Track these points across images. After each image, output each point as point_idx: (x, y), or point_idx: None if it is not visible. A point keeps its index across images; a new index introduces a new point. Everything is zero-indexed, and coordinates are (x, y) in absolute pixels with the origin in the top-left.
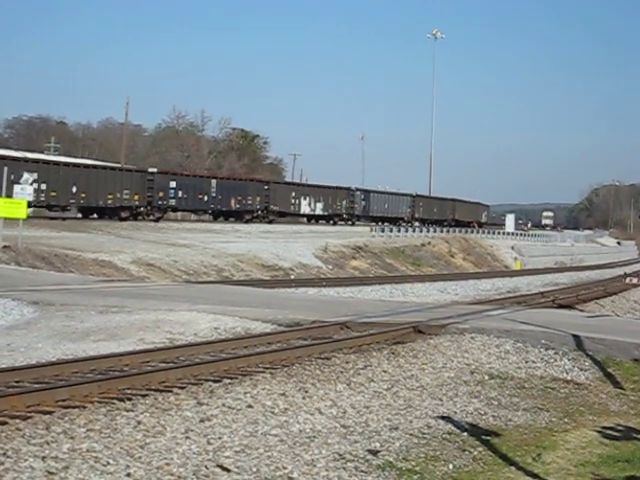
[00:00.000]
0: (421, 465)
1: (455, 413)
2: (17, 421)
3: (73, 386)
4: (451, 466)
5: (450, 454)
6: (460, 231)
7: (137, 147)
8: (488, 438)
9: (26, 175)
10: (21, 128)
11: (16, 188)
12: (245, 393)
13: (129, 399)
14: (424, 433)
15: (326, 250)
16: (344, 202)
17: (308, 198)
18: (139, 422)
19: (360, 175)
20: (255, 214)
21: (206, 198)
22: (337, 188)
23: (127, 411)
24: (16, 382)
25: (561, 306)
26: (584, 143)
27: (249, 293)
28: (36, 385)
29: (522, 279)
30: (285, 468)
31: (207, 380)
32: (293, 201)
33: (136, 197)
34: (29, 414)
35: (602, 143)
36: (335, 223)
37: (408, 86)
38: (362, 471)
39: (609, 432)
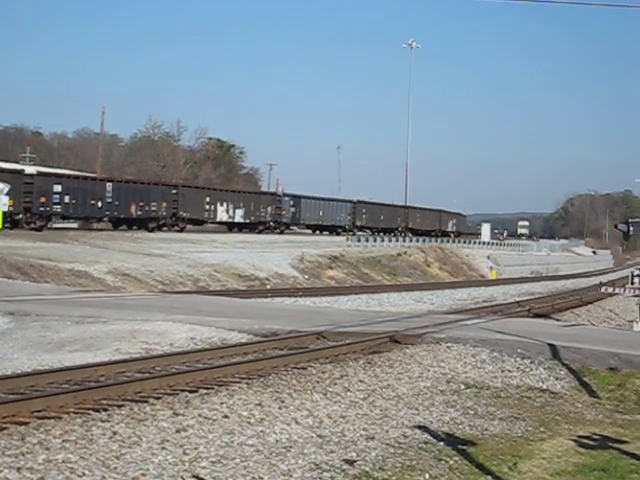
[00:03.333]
0: (397, 475)
1: (431, 423)
2: None
3: (49, 397)
4: (427, 476)
5: (426, 464)
6: (436, 241)
7: (113, 157)
8: (464, 447)
9: (1, 185)
10: None
11: None
12: (221, 403)
13: (105, 410)
14: (400, 443)
15: (302, 260)
16: (269, 208)
17: (225, 204)
18: (115, 432)
19: (337, 184)
20: (161, 222)
21: (100, 204)
22: (261, 193)
23: (103, 422)
24: None
25: (537, 315)
26: (560, 153)
27: (225, 303)
28: (11, 396)
29: (498, 288)
30: (261, 478)
31: (183, 390)
32: (208, 207)
33: (10, 203)
34: (4, 425)
35: (578, 153)
36: (260, 232)
37: (386, 96)
38: None
39: (585, 441)
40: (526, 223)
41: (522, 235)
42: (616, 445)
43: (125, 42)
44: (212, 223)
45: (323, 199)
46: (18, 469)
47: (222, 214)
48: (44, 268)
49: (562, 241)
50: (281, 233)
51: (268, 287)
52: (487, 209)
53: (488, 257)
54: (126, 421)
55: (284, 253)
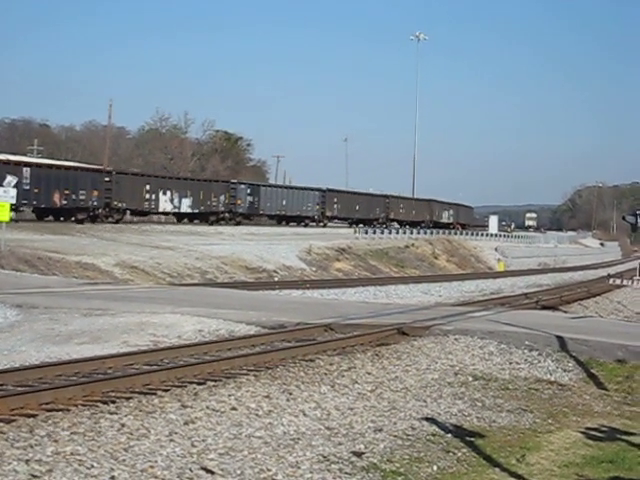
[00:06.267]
0: (405, 467)
1: (439, 414)
2: (1, 424)
3: (57, 389)
4: (435, 467)
5: (434, 455)
6: (444, 232)
7: (120, 149)
8: (472, 439)
9: (9, 177)
10: (3, 131)
11: None
12: (229, 395)
13: (113, 402)
14: (408, 435)
15: (310, 252)
16: (222, 197)
17: (169, 192)
18: (123, 425)
19: (344, 176)
20: (91, 212)
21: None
22: (211, 181)
23: (111, 414)
24: None
25: (545, 307)
26: (568, 145)
27: (233, 295)
28: (20, 388)
29: (506, 280)
30: (269, 470)
31: (191, 382)
32: (148, 196)
33: None
34: (13, 417)
35: (586, 145)
36: (212, 223)
37: (393, 88)
38: (346, 473)
39: (593, 433)
40: (534, 215)
41: (530, 227)
42: (624, 437)
43: (132, 35)
44: (155, 214)
45: (286, 187)
46: (27, 461)
47: (165, 204)
48: (52, 261)
49: (570, 233)
50: (237, 224)
51: (276, 279)
52: (495, 201)
53: (496, 249)
54: (134, 413)
55: (292, 245)
